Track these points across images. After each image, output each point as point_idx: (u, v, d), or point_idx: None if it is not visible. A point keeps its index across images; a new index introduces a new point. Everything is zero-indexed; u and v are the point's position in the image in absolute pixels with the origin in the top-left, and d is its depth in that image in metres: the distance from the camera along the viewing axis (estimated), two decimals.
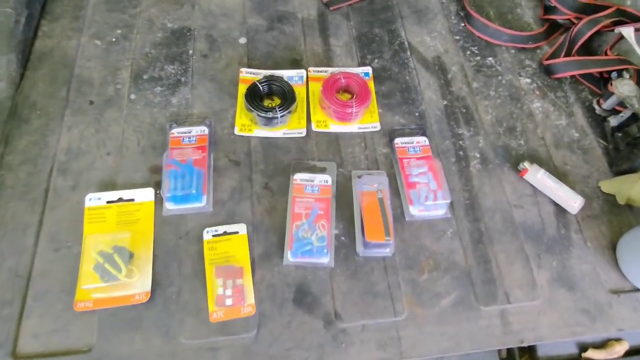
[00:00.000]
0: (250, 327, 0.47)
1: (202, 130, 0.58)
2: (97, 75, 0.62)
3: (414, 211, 0.55)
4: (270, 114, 0.57)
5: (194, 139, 0.57)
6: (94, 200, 0.52)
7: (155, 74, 0.63)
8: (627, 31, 0.66)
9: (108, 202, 0.52)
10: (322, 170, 0.57)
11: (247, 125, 0.60)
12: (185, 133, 0.57)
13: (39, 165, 0.54)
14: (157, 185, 0.54)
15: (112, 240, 0.49)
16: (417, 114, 0.63)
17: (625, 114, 0.62)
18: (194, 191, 0.52)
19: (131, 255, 0.49)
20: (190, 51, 0.66)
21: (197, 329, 0.47)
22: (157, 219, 0.52)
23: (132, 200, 0.53)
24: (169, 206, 0.53)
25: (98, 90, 0.61)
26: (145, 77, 0.63)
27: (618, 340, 0.52)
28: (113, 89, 0.61)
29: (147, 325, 0.47)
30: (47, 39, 0.64)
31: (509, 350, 0.52)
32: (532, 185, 0.59)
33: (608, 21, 0.68)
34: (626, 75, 0.65)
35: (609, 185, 0.59)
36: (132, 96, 0.61)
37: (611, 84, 0.63)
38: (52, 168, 0.54)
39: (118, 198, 0.53)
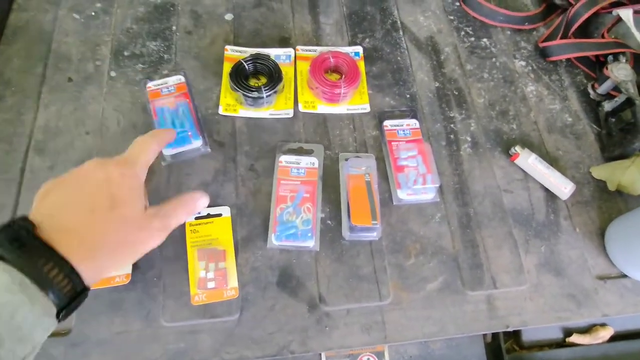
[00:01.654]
0: (233, 310, 0.47)
1: (179, 79, 0.57)
2: (76, 51, 0.60)
3: (402, 195, 0.54)
4: (255, 94, 0.55)
5: (173, 88, 0.56)
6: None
7: (137, 51, 0.61)
8: (626, 13, 0.65)
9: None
10: (309, 153, 0.55)
11: (232, 105, 0.58)
12: (162, 85, 0.56)
13: (14, 144, 0.52)
14: None
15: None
16: (408, 95, 0.62)
17: (620, 99, 0.60)
18: (190, 133, 0.53)
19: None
20: (174, 27, 0.63)
21: (178, 312, 0.46)
22: None
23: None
24: (167, 152, 0.53)
25: (76, 67, 0.58)
26: (126, 53, 0.60)
27: (603, 325, 0.53)
28: (92, 66, 0.59)
29: (127, 308, 0.46)
30: (22, 12, 0.61)
31: (494, 335, 0.52)
32: (523, 170, 0.58)
33: (606, 2, 0.66)
34: (622, 59, 0.63)
35: (600, 171, 0.58)
36: (113, 73, 0.59)
37: (607, 68, 0.62)
38: (28, 147, 0.52)
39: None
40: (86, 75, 0.58)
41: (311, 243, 0.50)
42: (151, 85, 0.56)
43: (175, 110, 0.54)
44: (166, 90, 0.56)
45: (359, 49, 0.64)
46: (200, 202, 0.43)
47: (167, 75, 0.58)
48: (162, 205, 0.41)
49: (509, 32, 0.70)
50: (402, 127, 0.58)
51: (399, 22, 0.68)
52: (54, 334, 0.44)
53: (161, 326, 0.46)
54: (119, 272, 0.46)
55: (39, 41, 0.59)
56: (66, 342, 0.44)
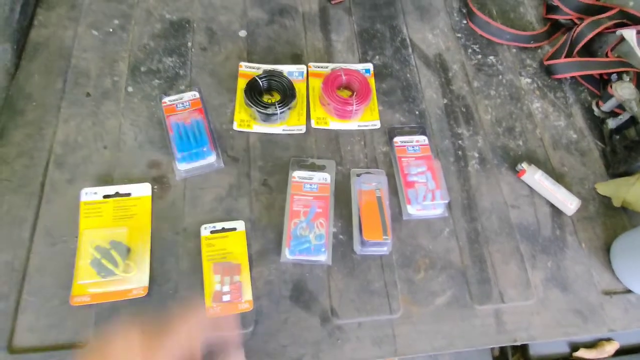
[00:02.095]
0: (247, 324, 0.48)
1: (193, 95, 0.59)
2: (94, 67, 0.61)
3: (412, 210, 0.55)
4: (269, 110, 0.57)
5: (188, 103, 0.58)
6: (90, 194, 0.52)
7: (153, 67, 0.62)
8: (629, 33, 0.66)
9: (105, 196, 0.52)
10: (321, 168, 0.57)
11: (246, 120, 0.59)
12: (177, 100, 0.58)
13: (35, 158, 0.54)
14: (155, 181, 0.54)
15: (109, 235, 0.49)
16: (417, 112, 0.63)
17: (624, 117, 0.62)
18: (204, 149, 0.54)
19: (128, 250, 0.49)
20: (189, 44, 0.65)
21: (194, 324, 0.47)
22: (154, 214, 0.52)
23: (129, 194, 0.52)
24: (181, 167, 0.54)
25: (95, 82, 0.60)
26: (142, 69, 0.62)
27: (608, 340, 0.54)
28: (110, 81, 0.60)
29: (143, 320, 0.47)
30: (42, 29, 0.63)
31: (502, 349, 0.53)
32: (529, 186, 0.59)
33: (610, 23, 0.67)
34: (626, 77, 0.65)
35: (605, 188, 0.60)
36: (130, 89, 0.60)
37: (611, 86, 0.63)
38: (48, 161, 0.54)
39: (115, 192, 0.52)
40: (104, 90, 0.60)
41: (324, 257, 0.51)
42: (166, 100, 0.58)
43: (190, 125, 0.55)
44: (181, 105, 0.58)
45: (370, 65, 0.66)
46: None
47: (183, 91, 0.60)
48: None
49: (514, 50, 0.72)
50: (411, 143, 0.59)
51: (408, 40, 0.70)
52: (71, 346, 0.45)
53: None
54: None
55: (59, 57, 0.61)
56: (82, 355, 0.45)
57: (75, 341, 0.45)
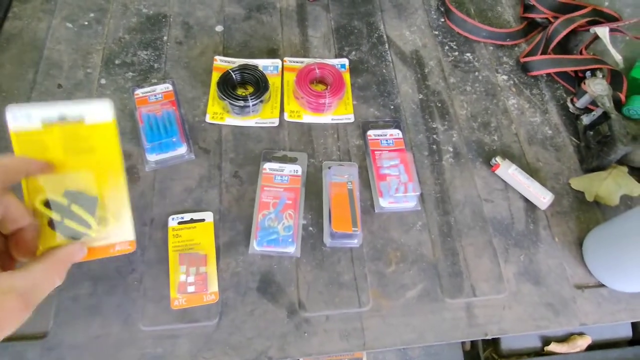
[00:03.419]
0: (212, 315, 0.47)
1: (166, 87, 0.58)
2: (67, 59, 0.61)
3: (384, 203, 0.55)
4: (242, 102, 0.57)
5: (160, 95, 0.58)
6: (21, 119, 0.34)
7: (128, 60, 0.62)
8: (602, 31, 0.67)
9: (44, 124, 0.35)
10: (293, 161, 0.56)
11: (219, 113, 0.59)
12: (149, 92, 0.58)
13: (1, 148, 0.53)
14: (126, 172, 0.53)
15: (61, 182, 0.36)
16: (392, 107, 0.63)
17: (597, 113, 0.62)
18: (174, 139, 0.53)
19: (95, 201, 0.37)
20: (165, 38, 0.65)
21: (158, 316, 0.46)
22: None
23: (81, 119, 0.35)
24: (151, 157, 0.54)
25: (67, 74, 0.60)
26: (117, 62, 0.62)
27: (580, 334, 0.53)
28: (83, 73, 0.60)
29: (106, 311, 0.46)
30: (16, 20, 0.63)
31: (473, 343, 0.52)
32: (503, 181, 0.59)
33: (583, 20, 0.68)
34: (599, 74, 0.66)
35: (579, 183, 0.59)
36: (103, 81, 0.60)
37: (584, 83, 0.64)
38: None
39: (58, 116, 0.35)
40: (76, 82, 0.59)
41: (292, 249, 0.50)
42: (139, 92, 0.57)
43: (161, 117, 0.55)
44: (153, 97, 0.57)
45: (345, 61, 0.66)
46: (76, 257, 0.35)
47: (157, 84, 0.59)
48: (22, 270, 0.30)
49: (491, 48, 0.72)
50: (385, 137, 0.59)
51: (385, 36, 0.70)
52: (29, 337, 0.44)
53: (139, 330, 0.46)
54: None
55: (32, 48, 0.61)
56: (42, 345, 0.44)
57: (32, 332, 0.44)
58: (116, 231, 0.38)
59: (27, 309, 0.29)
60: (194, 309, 0.47)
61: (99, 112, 0.36)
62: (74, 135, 0.36)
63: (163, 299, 0.47)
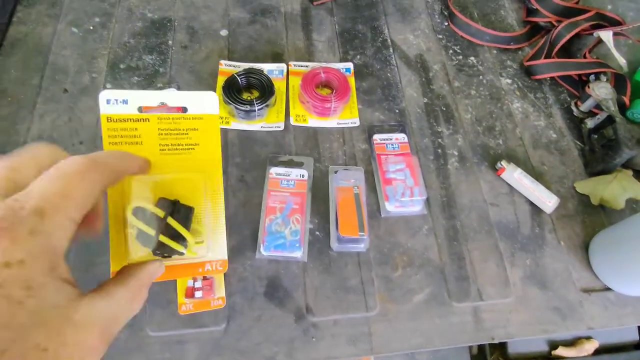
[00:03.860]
0: (219, 321, 0.47)
1: (172, 91, 0.57)
2: (73, 64, 0.61)
3: (390, 207, 0.55)
4: (247, 107, 0.57)
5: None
6: (117, 104, 0.29)
7: (133, 64, 0.62)
8: (606, 35, 0.67)
9: (141, 108, 0.29)
10: (299, 165, 0.56)
11: (224, 117, 0.59)
12: None
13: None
14: None
15: (156, 185, 0.29)
16: (397, 110, 0.63)
17: (601, 116, 0.62)
18: None
19: (191, 212, 0.30)
20: (170, 42, 0.65)
21: (165, 321, 0.46)
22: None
23: (184, 109, 0.30)
24: None
25: (73, 79, 0.60)
26: (122, 66, 0.62)
27: (588, 338, 0.53)
28: (88, 78, 0.60)
29: None
30: (21, 25, 0.63)
31: (480, 347, 0.52)
32: (508, 184, 0.59)
33: (587, 24, 0.68)
34: (603, 78, 0.66)
35: (584, 186, 0.60)
36: (108, 85, 0.60)
37: (589, 87, 0.64)
38: None
39: (159, 102, 0.30)
40: (82, 87, 0.59)
41: (299, 254, 0.50)
42: None
43: None
44: None
45: (350, 65, 0.66)
46: (156, 276, 0.27)
47: (161, 88, 0.59)
48: (103, 295, 0.23)
49: (495, 52, 0.72)
50: (391, 141, 0.59)
51: (389, 40, 0.70)
52: None
53: (147, 336, 0.45)
54: None
55: (37, 53, 0.61)
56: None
57: None
58: (209, 248, 0.31)
59: (105, 345, 0.22)
60: (202, 314, 0.47)
61: (204, 103, 0.31)
62: (174, 127, 0.30)
63: (170, 304, 0.47)
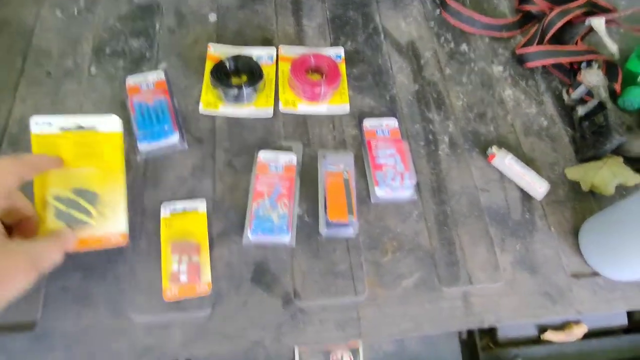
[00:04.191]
0: (205, 305, 0.46)
1: (159, 76, 0.57)
2: (56, 47, 0.59)
3: (380, 193, 0.54)
4: (236, 90, 0.56)
5: (152, 84, 0.56)
6: (42, 125, 0.42)
7: (119, 48, 0.61)
8: (598, 22, 0.67)
9: (61, 129, 0.42)
10: (288, 150, 0.56)
11: (212, 102, 0.58)
12: (141, 81, 0.56)
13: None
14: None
15: (71, 180, 0.42)
16: (388, 97, 0.63)
17: (592, 104, 0.62)
18: (166, 127, 0.52)
19: (95, 196, 0.43)
20: (157, 26, 0.64)
21: (149, 306, 0.45)
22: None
23: (94, 128, 0.43)
24: (142, 146, 0.52)
25: (56, 62, 0.58)
26: (107, 50, 0.60)
27: (577, 322, 0.53)
28: (72, 62, 0.59)
29: (96, 301, 0.45)
30: (3, 8, 0.61)
31: (470, 332, 0.52)
32: (499, 171, 0.59)
33: (579, 12, 0.68)
34: (595, 65, 0.66)
35: (574, 172, 0.59)
36: (93, 70, 0.59)
37: (580, 74, 0.64)
38: (1, 140, 0.52)
39: (76, 125, 0.43)
40: (66, 70, 0.58)
41: (287, 238, 0.49)
42: (130, 81, 0.56)
43: (153, 105, 0.54)
44: (145, 86, 0.56)
45: (341, 50, 0.65)
46: (70, 241, 0.40)
47: (148, 73, 0.58)
48: (31, 241, 0.35)
49: (487, 39, 0.72)
50: (381, 126, 0.59)
51: (380, 27, 0.70)
52: (17, 328, 0.43)
53: (131, 321, 0.45)
54: None
55: (20, 36, 0.59)
56: (30, 336, 0.43)
57: (20, 322, 0.43)
58: (111, 223, 0.43)
59: (34, 271, 0.33)
60: (187, 299, 0.46)
61: (110, 124, 0.44)
62: (86, 140, 0.43)
63: (155, 289, 0.46)
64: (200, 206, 0.50)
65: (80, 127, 0.43)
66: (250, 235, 0.49)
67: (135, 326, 0.44)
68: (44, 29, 0.61)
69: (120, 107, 0.56)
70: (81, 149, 0.43)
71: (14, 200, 0.38)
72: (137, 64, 0.60)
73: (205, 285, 0.46)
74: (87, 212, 0.42)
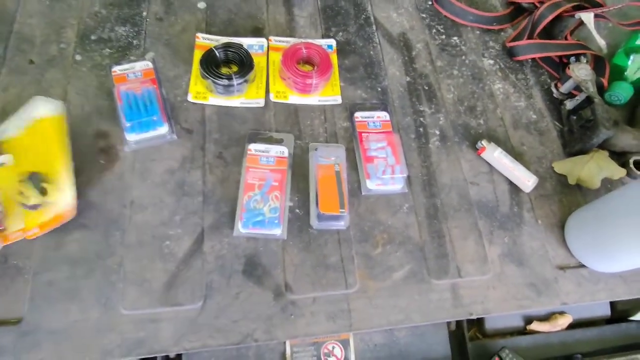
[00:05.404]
0: (196, 299, 0.46)
1: (146, 64, 0.55)
2: (40, 33, 0.58)
3: (371, 185, 0.54)
4: (226, 81, 0.55)
5: (140, 73, 0.55)
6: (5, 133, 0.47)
7: (105, 35, 0.59)
8: (587, 17, 0.67)
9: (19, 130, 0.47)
10: (279, 142, 0.55)
11: (202, 92, 0.57)
12: (128, 69, 0.55)
13: None
14: (103, 152, 0.51)
15: (21, 166, 0.46)
16: (379, 89, 0.62)
17: (580, 97, 0.63)
18: (154, 118, 0.51)
19: (44, 177, 0.46)
20: (144, 13, 0.62)
21: (139, 300, 0.45)
22: (100, 186, 0.49)
23: (36, 117, 0.48)
24: (130, 137, 0.51)
25: (39, 49, 0.56)
26: (93, 37, 0.59)
27: (562, 313, 0.54)
28: (56, 49, 0.57)
29: (84, 295, 0.44)
30: None
31: (458, 323, 0.53)
32: (488, 164, 0.59)
33: (569, 5, 0.68)
34: (583, 60, 0.66)
35: (562, 166, 0.60)
36: (78, 57, 0.57)
37: (569, 68, 0.64)
38: None
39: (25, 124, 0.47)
40: (49, 58, 0.56)
41: (278, 231, 0.49)
42: (117, 69, 0.55)
43: (141, 95, 0.53)
44: (132, 75, 0.55)
45: (332, 41, 0.64)
46: None
47: (135, 61, 0.57)
48: None
49: (478, 32, 0.72)
50: (372, 119, 0.58)
51: (372, 18, 0.69)
52: (3, 323, 0.42)
53: (120, 314, 0.44)
54: None
55: (1, 22, 0.57)
56: (16, 331, 0.42)
57: (6, 317, 0.42)
58: (60, 198, 0.45)
59: None
60: (177, 292, 0.45)
61: (49, 108, 0.48)
62: (35, 129, 0.47)
63: (145, 282, 0.46)
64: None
65: (32, 118, 0.47)
66: (241, 228, 0.49)
67: (126, 320, 0.44)
68: (27, 14, 0.59)
69: (108, 97, 0.55)
70: (32, 138, 0.47)
71: None
72: (124, 52, 0.58)
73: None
74: (42, 193, 0.45)
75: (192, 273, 0.47)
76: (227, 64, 0.59)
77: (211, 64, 0.56)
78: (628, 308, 0.58)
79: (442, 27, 0.71)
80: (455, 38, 0.70)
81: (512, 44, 0.70)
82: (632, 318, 0.60)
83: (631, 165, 0.60)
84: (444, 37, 0.70)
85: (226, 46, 0.58)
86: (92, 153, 0.51)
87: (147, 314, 0.45)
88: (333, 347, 0.49)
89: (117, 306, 0.44)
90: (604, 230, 0.50)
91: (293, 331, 0.46)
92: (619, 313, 0.58)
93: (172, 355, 0.47)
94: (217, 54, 0.57)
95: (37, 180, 0.45)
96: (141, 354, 0.43)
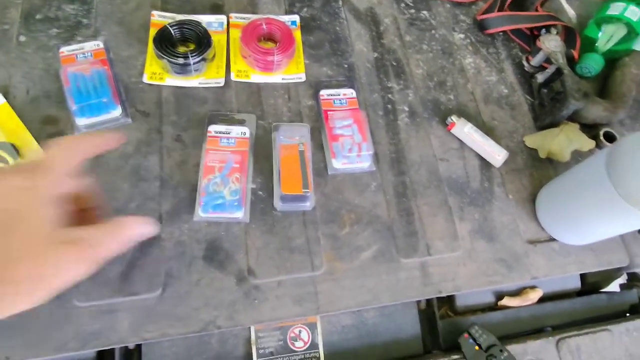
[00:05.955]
0: (154, 287, 0.44)
1: (97, 44, 0.53)
2: None
3: (337, 164, 0.52)
4: (182, 60, 0.52)
5: (90, 54, 0.52)
6: None
7: (51, 14, 0.56)
8: None
9: None
10: (241, 123, 0.53)
11: (158, 73, 0.54)
12: (77, 50, 0.52)
13: None
14: (51, 138, 0.48)
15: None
16: (345, 65, 0.60)
17: (551, 69, 0.62)
18: (105, 100, 0.49)
19: (14, 147, 0.47)
20: None
21: (93, 291, 0.43)
22: None
23: None
24: (80, 122, 0.49)
25: None
26: (38, 17, 0.55)
27: (532, 287, 0.54)
28: None
29: None
30: None
31: (428, 302, 0.52)
32: (459, 140, 0.58)
33: None
34: (554, 31, 0.65)
35: (533, 140, 0.59)
36: (22, 38, 0.53)
37: (539, 40, 0.63)
38: None
39: None
40: None
41: (240, 214, 0.47)
42: (64, 50, 0.52)
43: (91, 76, 0.50)
44: (82, 56, 0.52)
45: (296, 17, 0.62)
46: (142, 230, 0.33)
47: (84, 42, 0.53)
48: (86, 228, 0.30)
49: (448, 5, 0.70)
50: (338, 96, 0.56)
51: None
52: None
53: (74, 306, 0.42)
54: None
55: None
56: None
57: None
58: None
59: (88, 261, 0.29)
60: (134, 281, 0.43)
61: None
62: None
63: (99, 272, 0.43)
64: None
65: None
66: (201, 213, 0.47)
67: (80, 312, 0.42)
68: None
69: (55, 80, 0.51)
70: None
71: (81, 184, 0.33)
72: (73, 32, 0.55)
73: None
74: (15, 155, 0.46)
75: (150, 261, 0.45)
76: (184, 43, 0.56)
77: (166, 43, 0.53)
78: (598, 280, 0.58)
79: (411, 1, 0.69)
80: (425, 12, 0.68)
81: (482, 16, 0.68)
82: (604, 290, 0.61)
83: (601, 138, 0.59)
84: (413, 11, 0.68)
85: (182, 23, 0.55)
86: (40, 140, 0.48)
87: (102, 304, 0.43)
88: (300, 331, 0.48)
89: (70, 298, 0.42)
90: (572, 202, 0.49)
91: (257, 316, 0.45)
92: (590, 285, 0.58)
93: (131, 346, 0.46)
94: (172, 31, 0.54)
95: (10, 147, 0.46)
96: (97, 345, 0.41)
